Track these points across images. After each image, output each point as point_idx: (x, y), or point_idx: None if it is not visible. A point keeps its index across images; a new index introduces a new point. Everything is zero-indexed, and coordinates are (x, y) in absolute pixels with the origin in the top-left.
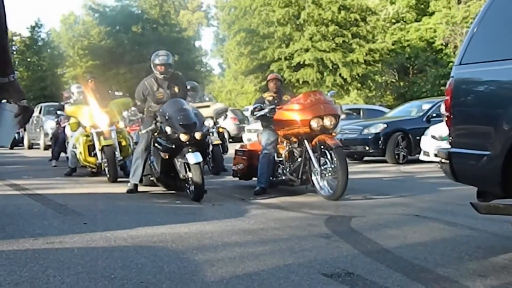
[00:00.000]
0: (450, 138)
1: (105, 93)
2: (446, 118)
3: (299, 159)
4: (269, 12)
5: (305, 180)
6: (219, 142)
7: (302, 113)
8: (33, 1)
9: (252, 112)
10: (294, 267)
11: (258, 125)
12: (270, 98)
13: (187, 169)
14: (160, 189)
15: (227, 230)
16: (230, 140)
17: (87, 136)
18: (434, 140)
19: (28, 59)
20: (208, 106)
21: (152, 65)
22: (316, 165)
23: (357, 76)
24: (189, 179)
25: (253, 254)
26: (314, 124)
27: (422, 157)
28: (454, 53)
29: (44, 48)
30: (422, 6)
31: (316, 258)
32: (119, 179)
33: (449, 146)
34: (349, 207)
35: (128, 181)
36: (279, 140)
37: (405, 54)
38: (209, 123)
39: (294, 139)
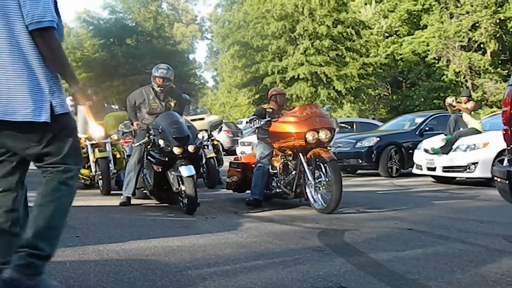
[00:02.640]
0: (509, 155)
1: (101, 106)
2: (503, 132)
3: (294, 172)
4: (264, 25)
5: (299, 193)
6: (214, 155)
7: (298, 126)
8: None
9: (251, 124)
10: (287, 280)
11: (252, 138)
12: (270, 110)
13: (180, 182)
14: (153, 202)
15: (220, 243)
16: (224, 153)
17: (82, 148)
18: (427, 154)
19: None
20: (202, 119)
21: (151, 76)
22: (310, 178)
23: (350, 89)
24: (182, 192)
25: (246, 267)
26: (310, 137)
27: (415, 170)
28: (447, 67)
29: None
30: (415, 20)
31: (309, 271)
32: (112, 192)
33: (507, 164)
34: (342, 220)
35: (121, 194)
36: (274, 153)
37: (398, 68)
38: (203, 135)
39: (289, 152)
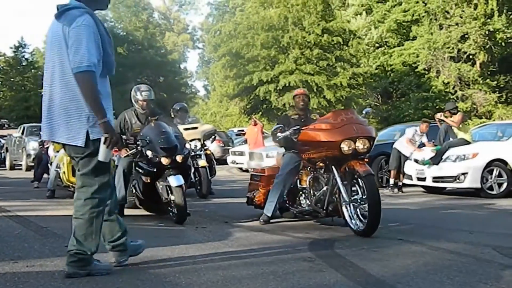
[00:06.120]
0: None
1: None
2: None
3: (325, 187)
4: (254, 36)
5: (331, 211)
6: (206, 164)
7: (331, 134)
8: (17, 20)
9: (274, 134)
10: None
11: (243, 148)
12: (296, 117)
13: (169, 192)
14: (142, 211)
15: (210, 253)
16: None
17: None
18: (417, 164)
19: (12, 79)
20: (196, 128)
21: (133, 100)
22: (344, 195)
23: (341, 99)
24: (172, 202)
25: (236, 277)
26: (345, 147)
27: (405, 180)
28: (436, 78)
29: (28, 68)
30: (404, 31)
31: (299, 282)
32: None
33: None
34: (333, 230)
35: None
36: (303, 164)
37: (388, 78)
38: (196, 145)
39: (320, 164)
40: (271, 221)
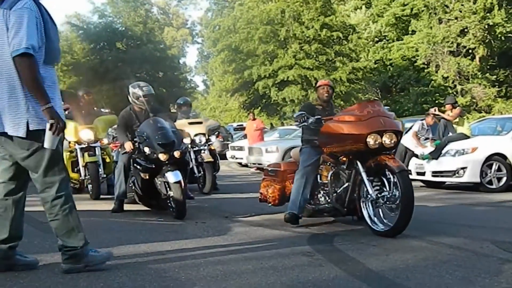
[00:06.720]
0: None
1: (91, 110)
2: None
3: (347, 184)
4: (252, 30)
5: (352, 210)
6: (211, 159)
7: (357, 126)
8: None
9: (296, 120)
10: (276, 285)
11: (242, 142)
12: (320, 108)
13: (168, 188)
14: (142, 207)
15: (210, 248)
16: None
17: (71, 151)
18: (416, 159)
19: None
20: (201, 123)
21: (133, 97)
22: (370, 192)
23: (340, 93)
24: (170, 197)
25: (235, 272)
26: (371, 141)
27: None
28: (436, 72)
29: None
30: (404, 25)
31: (298, 276)
32: (101, 196)
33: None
34: (332, 225)
35: (111, 199)
36: (323, 159)
37: (388, 73)
38: (200, 139)
39: (343, 159)
40: (274, 216)
